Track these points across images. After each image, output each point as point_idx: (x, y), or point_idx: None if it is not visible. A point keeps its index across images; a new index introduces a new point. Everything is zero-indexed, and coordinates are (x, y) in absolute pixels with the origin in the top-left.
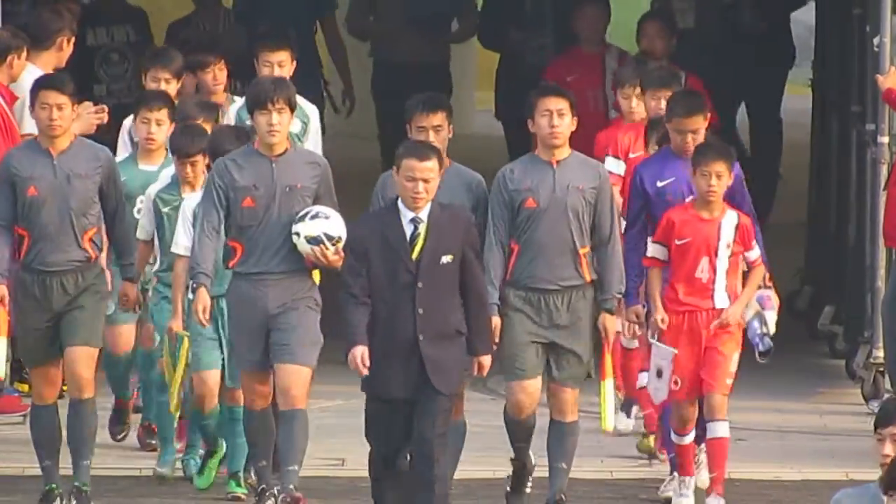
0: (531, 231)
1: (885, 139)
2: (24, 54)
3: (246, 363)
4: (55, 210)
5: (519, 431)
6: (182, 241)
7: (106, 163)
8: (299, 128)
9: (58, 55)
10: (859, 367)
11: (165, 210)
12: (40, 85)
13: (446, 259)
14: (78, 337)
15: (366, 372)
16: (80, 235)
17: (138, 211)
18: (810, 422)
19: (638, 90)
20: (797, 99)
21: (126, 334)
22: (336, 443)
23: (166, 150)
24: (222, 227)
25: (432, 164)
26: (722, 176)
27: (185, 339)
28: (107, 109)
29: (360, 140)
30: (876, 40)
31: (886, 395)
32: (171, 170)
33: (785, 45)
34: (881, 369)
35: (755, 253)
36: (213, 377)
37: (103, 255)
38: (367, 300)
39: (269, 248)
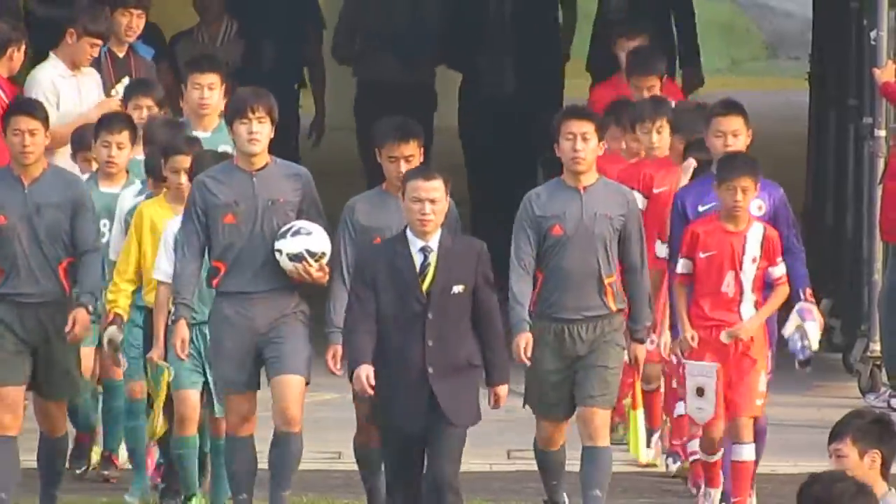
0: (557, 259)
1: (882, 133)
2: (23, 47)
3: (231, 385)
4: (26, 240)
5: (550, 465)
6: (163, 267)
7: (77, 192)
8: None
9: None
10: (856, 360)
11: None
12: (12, 111)
13: (458, 289)
14: (56, 391)
15: (370, 392)
16: (54, 266)
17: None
18: (807, 415)
19: (659, 124)
20: (795, 93)
21: (85, 359)
22: (332, 436)
23: (127, 171)
24: (204, 248)
25: (438, 183)
26: (748, 190)
27: (166, 371)
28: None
29: (340, 131)
30: (873, 34)
31: (883, 389)
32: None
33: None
34: (878, 363)
35: (780, 270)
36: (193, 397)
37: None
38: (373, 328)
39: (254, 265)
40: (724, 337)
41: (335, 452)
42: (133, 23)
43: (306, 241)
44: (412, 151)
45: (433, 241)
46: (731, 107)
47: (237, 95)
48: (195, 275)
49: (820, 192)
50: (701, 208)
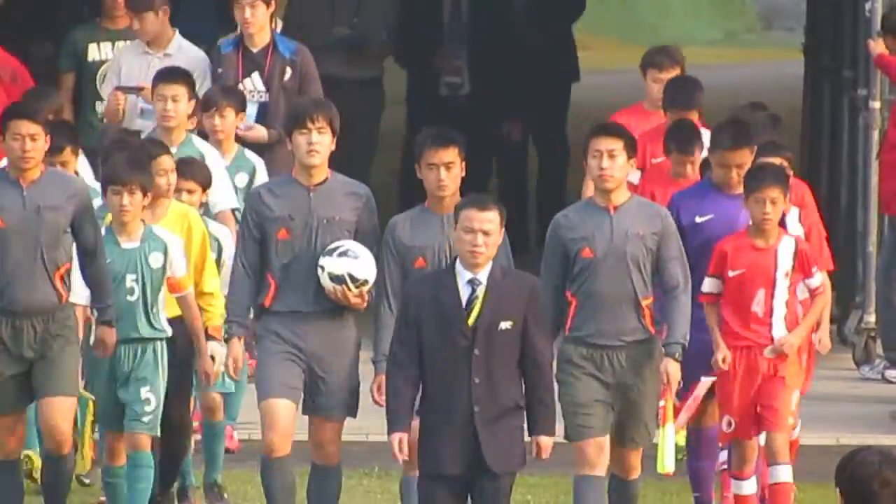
0: (589, 283)
1: (877, 104)
2: None
3: (277, 389)
4: (25, 244)
5: (592, 498)
6: (77, 290)
7: (80, 193)
8: (246, 181)
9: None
10: (851, 331)
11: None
12: (12, 114)
13: (505, 325)
14: (55, 388)
15: (402, 459)
16: (51, 272)
17: None
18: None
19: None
20: (790, 64)
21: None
22: None
23: (76, 173)
24: (259, 263)
25: (493, 214)
26: (777, 202)
27: (91, 404)
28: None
29: None
30: (868, 5)
31: (878, 360)
32: None
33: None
34: (873, 334)
35: (817, 280)
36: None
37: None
38: (415, 371)
39: (305, 284)
40: (768, 352)
41: None
42: (246, 14)
43: (351, 264)
44: (451, 158)
45: (482, 274)
46: (738, 139)
47: (296, 105)
48: (251, 292)
49: (814, 163)
50: (698, 219)
